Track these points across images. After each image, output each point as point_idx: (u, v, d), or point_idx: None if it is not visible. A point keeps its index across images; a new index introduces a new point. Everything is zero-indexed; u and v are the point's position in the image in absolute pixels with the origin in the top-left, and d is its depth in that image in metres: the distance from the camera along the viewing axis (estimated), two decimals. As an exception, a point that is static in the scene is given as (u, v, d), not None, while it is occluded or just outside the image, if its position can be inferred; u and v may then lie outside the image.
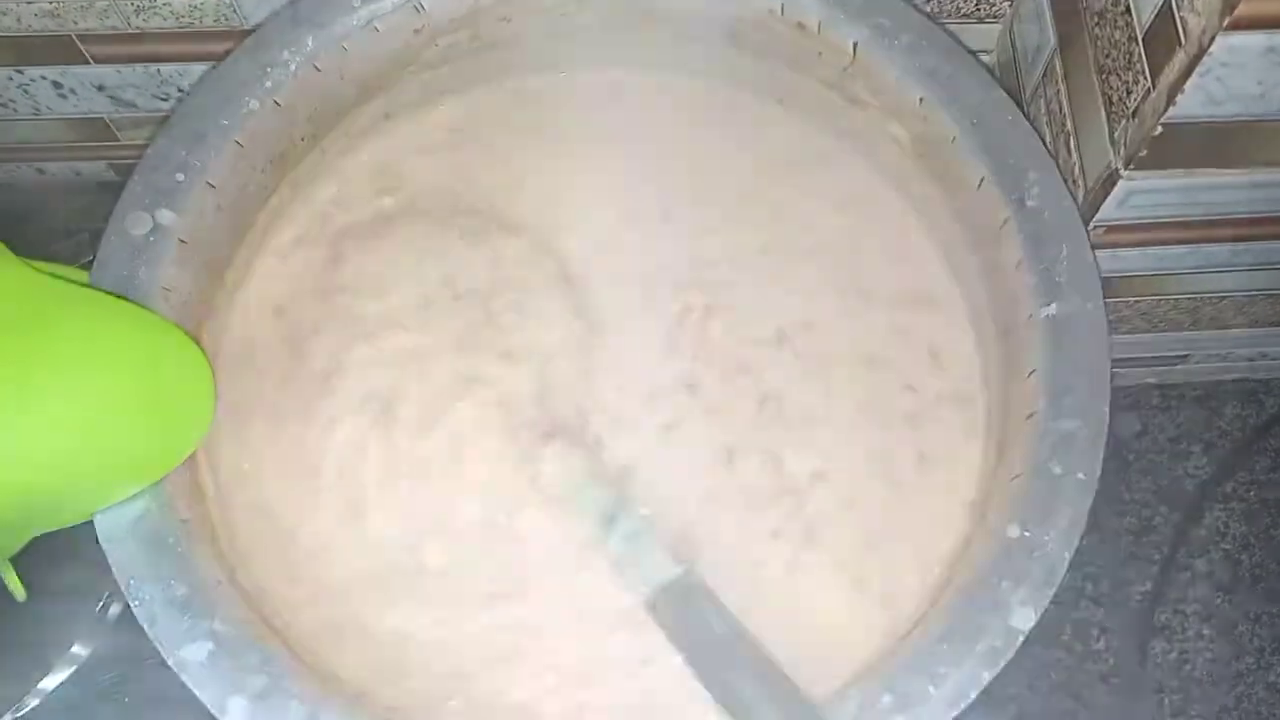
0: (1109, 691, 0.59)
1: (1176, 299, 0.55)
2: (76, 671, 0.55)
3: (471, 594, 0.43)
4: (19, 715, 0.55)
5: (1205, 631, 0.60)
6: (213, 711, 0.36)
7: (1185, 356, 0.63)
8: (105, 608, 0.56)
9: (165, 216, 0.43)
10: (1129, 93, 0.42)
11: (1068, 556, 0.38)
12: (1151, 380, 0.65)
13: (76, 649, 0.56)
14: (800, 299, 0.48)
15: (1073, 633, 0.60)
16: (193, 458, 0.42)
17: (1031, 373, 0.41)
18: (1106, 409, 0.40)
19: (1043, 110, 0.52)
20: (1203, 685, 0.59)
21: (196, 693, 0.36)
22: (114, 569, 0.38)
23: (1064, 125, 0.49)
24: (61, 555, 0.54)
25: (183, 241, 0.43)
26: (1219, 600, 0.60)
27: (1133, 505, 0.63)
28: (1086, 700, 0.59)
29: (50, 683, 0.55)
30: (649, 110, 0.52)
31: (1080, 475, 0.39)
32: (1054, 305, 0.42)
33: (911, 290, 0.48)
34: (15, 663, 0.55)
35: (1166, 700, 0.59)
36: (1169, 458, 0.64)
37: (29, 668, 0.55)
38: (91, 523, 0.52)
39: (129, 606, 0.55)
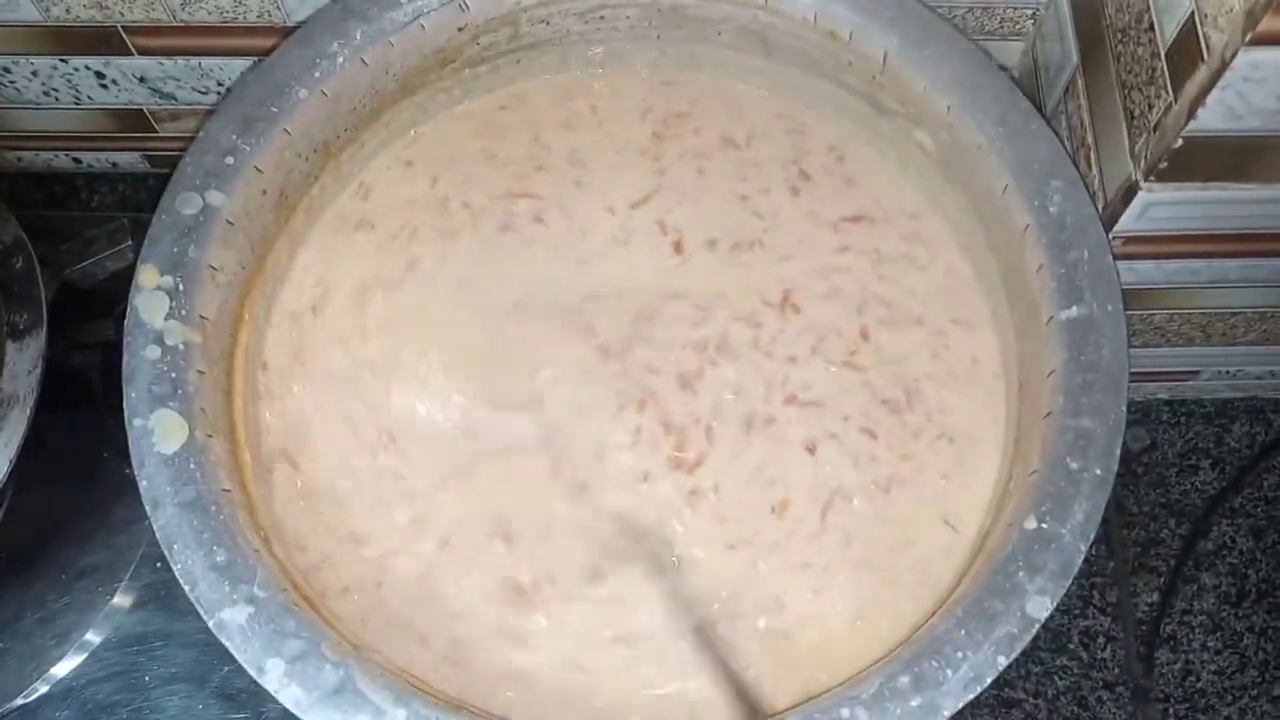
0: (1114, 700, 0.60)
1: (1190, 313, 0.56)
2: (89, 656, 0.56)
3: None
4: (28, 700, 0.55)
5: (1211, 644, 0.61)
6: (250, 672, 0.37)
7: (1196, 373, 0.64)
8: (118, 594, 0.57)
9: (215, 198, 0.44)
10: (1150, 107, 0.44)
11: (1083, 549, 0.39)
12: (1162, 396, 0.66)
13: (90, 636, 0.57)
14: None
15: (1080, 641, 0.61)
16: (232, 434, 0.43)
17: (1051, 373, 0.42)
18: (1124, 408, 0.41)
19: (1064, 125, 0.53)
20: (1207, 696, 0.60)
21: (235, 654, 0.37)
22: (157, 534, 0.39)
23: (1084, 139, 0.51)
24: (77, 545, 0.56)
25: (230, 222, 0.44)
26: (1225, 613, 0.61)
27: (1141, 518, 0.63)
28: (1092, 708, 0.59)
29: (61, 669, 0.56)
30: (682, 112, 0.53)
31: (1097, 471, 0.40)
32: (1074, 308, 0.43)
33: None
34: (27, 649, 0.56)
35: (1171, 710, 0.60)
36: (1178, 472, 0.64)
37: (41, 655, 0.56)
38: (109, 511, 0.53)
39: (141, 593, 0.56)
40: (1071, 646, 0.61)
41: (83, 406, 0.58)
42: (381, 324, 0.49)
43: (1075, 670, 0.60)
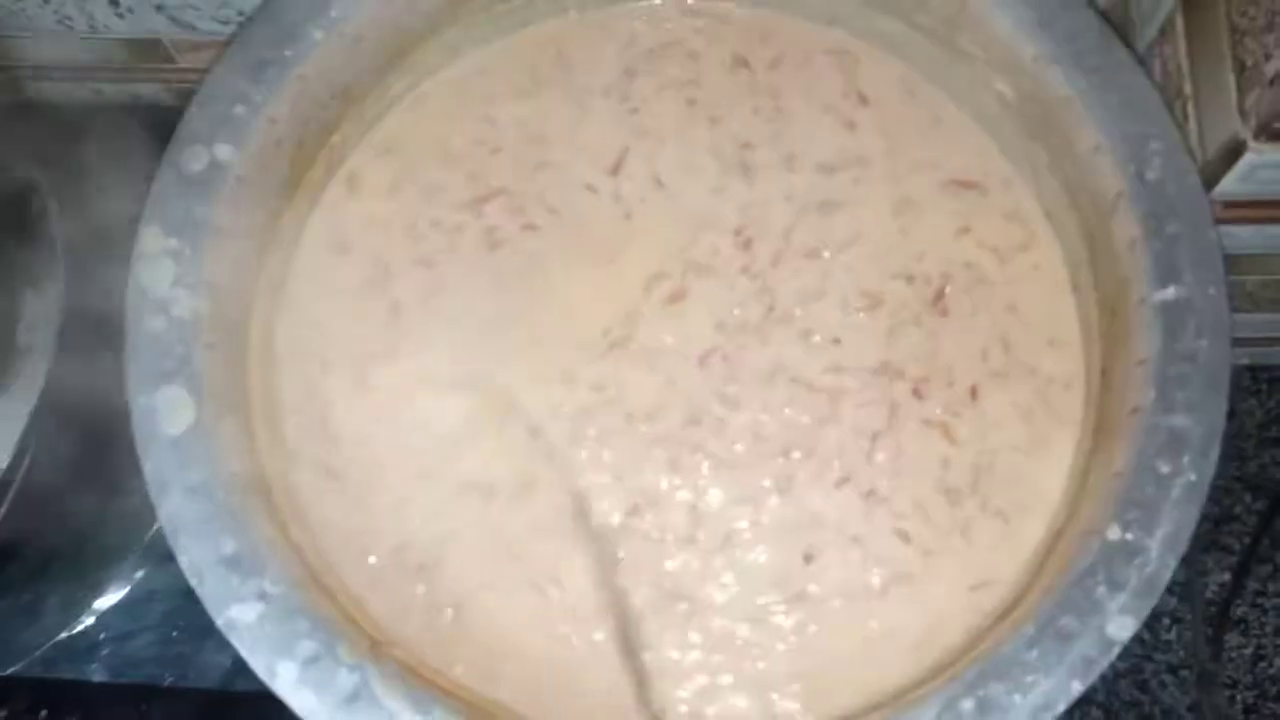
0: (1178, 684, 0.57)
1: (1286, 280, 0.52)
2: (119, 607, 0.56)
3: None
4: (73, 632, 0.55)
5: (1285, 628, 0.58)
6: (261, 677, 0.35)
7: (1284, 338, 0.59)
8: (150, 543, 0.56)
9: (223, 152, 0.41)
10: (1268, 57, 0.39)
11: (1173, 564, 0.36)
12: (1244, 361, 0.62)
13: (121, 586, 0.56)
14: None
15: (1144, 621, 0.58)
16: (245, 404, 0.40)
17: (1141, 362, 0.39)
18: (1224, 406, 0.37)
19: (1157, 70, 0.49)
20: (1278, 684, 0.57)
21: (245, 656, 0.35)
22: (162, 522, 0.37)
23: (1181, 89, 0.46)
24: (109, 492, 0.54)
25: (240, 179, 0.41)
26: (1302, 597, 0.58)
27: (1215, 491, 0.58)
28: (1153, 692, 0.57)
29: (91, 620, 0.56)
30: (740, 49, 0.49)
31: (1191, 477, 0.36)
32: (1170, 289, 0.39)
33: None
34: (57, 600, 0.55)
35: (1239, 697, 0.57)
36: (1256, 444, 0.61)
37: (70, 606, 0.55)
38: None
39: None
40: (1133, 627, 0.58)
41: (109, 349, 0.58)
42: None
43: (1137, 652, 0.57)
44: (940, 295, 0.45)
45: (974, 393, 0.44)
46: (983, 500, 0.42)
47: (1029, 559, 0.41)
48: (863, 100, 0.48)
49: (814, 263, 0.46)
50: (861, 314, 0.45)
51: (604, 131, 0.48)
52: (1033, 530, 0.41)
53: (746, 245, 0.46)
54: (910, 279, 0.45)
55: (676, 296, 0.46)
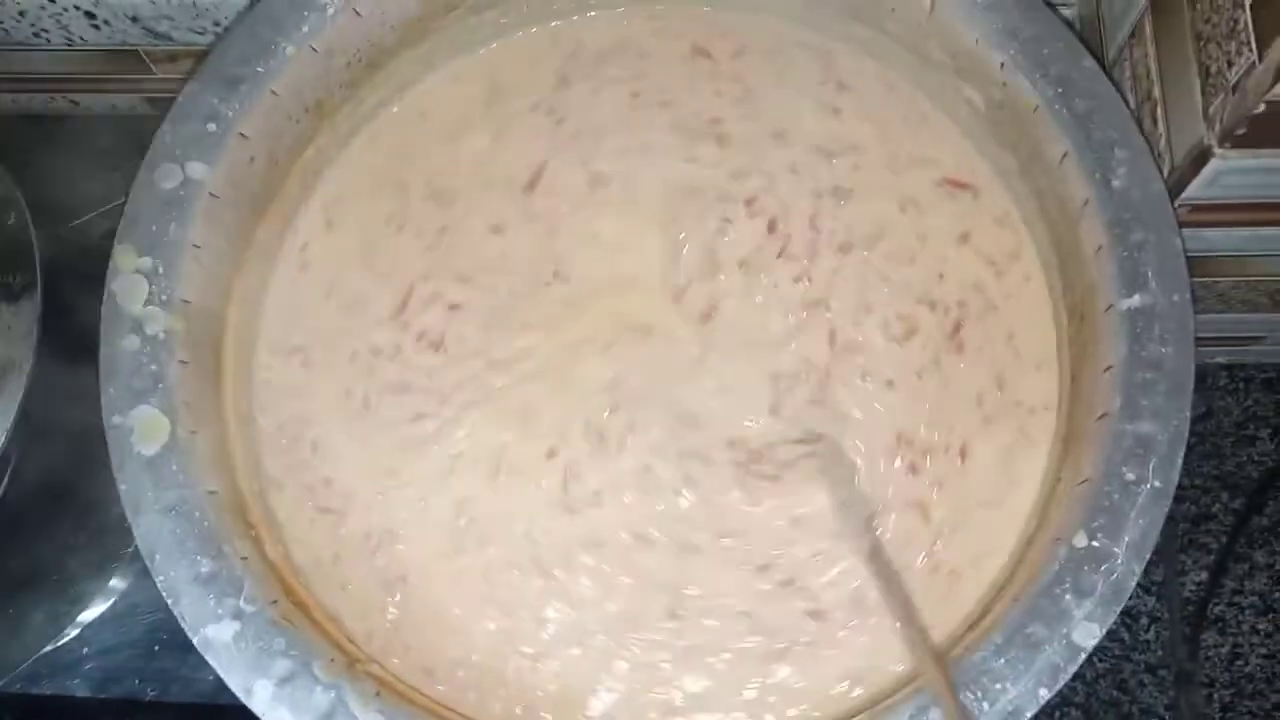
0: (1156, 684, 0.57)
1: (1257, 280, 0.52)
2: (102, 620, 0.56)
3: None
4: (40, 665, 0.55)
5: (1261, 626, 0.58)
6: (238, 695, 0.35)
7: (1259, 338, 0.60)
8: (132, 556, 0.57)
9: (196, 169, 0.41)
10: (1230, 64, 0.39)
11: (1138, 571, 0.36)
12: (1220, 360, 0.62)
13: (103, 600, 0.56)
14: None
15: (1121, 621, 0.57)
16: (221, 423, 0.40)
17: (1108, 368, 0.39)
18: (1188, 413, 0.37)
19: (1127, 74, 0.49)
20: (1255, 682, 0.57)
21: (222, 675, 0.35)
22: (138, 542, 0.37)
23: (1150, 93, 0.46)
24: (90, 506, 0.54)
25: (214, 195, 0.41)
26: (1278, 595, 0.58)
27: (1192, 491, 0.60)
28: (1132, 691, 0.57)
29: (74, 633, 0.56)
30: (700, 42, 0.49)
31: (1156, 483, 0.37)
32: (1136, 297, 0.39)
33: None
34: (40, 614, 0.55)
35: (1216, 695, 0.57)
36: (1234, 442, 0.61)
37: (53, 619, 0.55)
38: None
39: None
40: (1112, 627, 0.57)
41: (88, 363, 0.57)
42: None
43: (1116, 652, 0.58)
44: (958, 328, 0.45)
45: (963, 454, 0.43)
46: (934, 564, 0.42)
47: (971, 611, 0.40)
48: (842, 87, 0.48)
49: (847, 257, 0.45)
50: (898, 346, 0.44)
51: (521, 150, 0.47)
52: (983, 578, 0.41)
53: (771, 227, 0.46)
54: (933, 305, 0.45)
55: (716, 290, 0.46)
